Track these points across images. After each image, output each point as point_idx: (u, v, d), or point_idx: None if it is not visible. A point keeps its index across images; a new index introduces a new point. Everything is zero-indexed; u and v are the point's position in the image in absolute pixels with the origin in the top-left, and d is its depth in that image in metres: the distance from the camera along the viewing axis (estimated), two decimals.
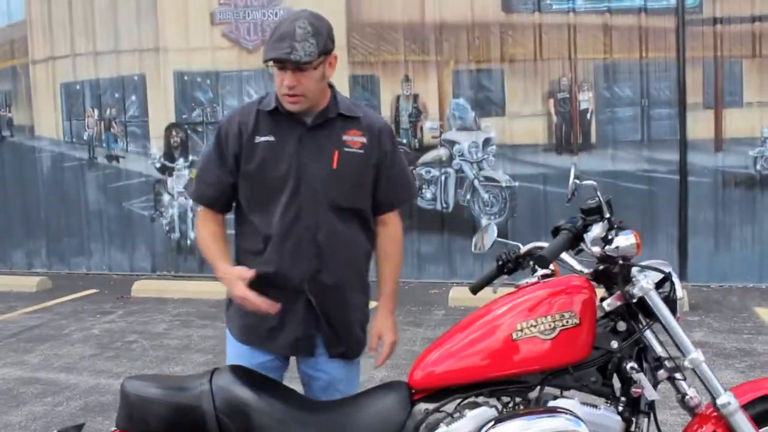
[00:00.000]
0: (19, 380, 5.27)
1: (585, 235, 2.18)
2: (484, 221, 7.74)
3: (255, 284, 2.33)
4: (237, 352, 2.45)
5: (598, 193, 2.17)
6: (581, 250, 2.25)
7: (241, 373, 2.11)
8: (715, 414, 2.21)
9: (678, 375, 2.23)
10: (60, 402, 4.81)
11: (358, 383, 2.59)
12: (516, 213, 7.72)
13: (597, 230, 2.16)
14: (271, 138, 2.41)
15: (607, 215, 2.16)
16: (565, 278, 2.26)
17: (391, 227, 2.59)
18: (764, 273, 7.23)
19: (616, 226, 2.17)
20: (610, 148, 7.48)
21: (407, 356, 5.52)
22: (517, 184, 7.73)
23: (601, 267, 2.26)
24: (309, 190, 2.39)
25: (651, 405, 2.22)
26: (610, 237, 2.15)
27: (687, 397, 2.23)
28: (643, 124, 7.43)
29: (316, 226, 2.40)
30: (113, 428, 2.13)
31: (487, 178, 7.81)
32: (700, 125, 7.28)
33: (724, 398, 2.16)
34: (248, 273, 2.32)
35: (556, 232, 2.23)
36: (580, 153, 7.57)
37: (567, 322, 2.13)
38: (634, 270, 2.21)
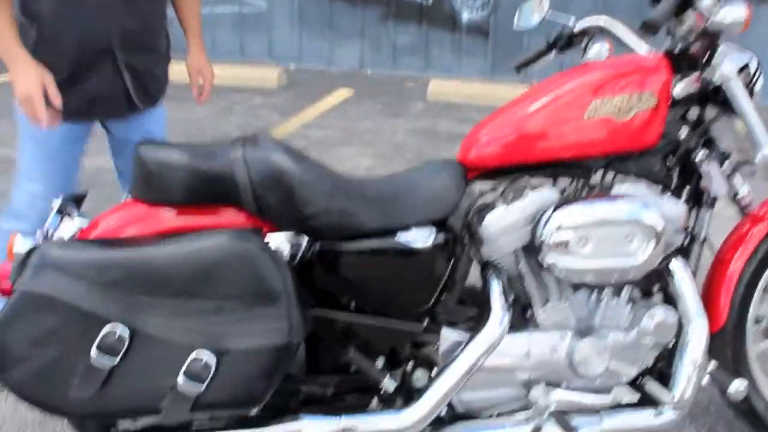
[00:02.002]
0: None
1: None
2: (465, 15, 7.32)
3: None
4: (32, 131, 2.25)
5: None
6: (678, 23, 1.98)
7: (276, 142, 1.83)
8: None
9: (741, 170, 2.07)
10: None
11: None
12: (500, 8, 7.28)
13: None
14: None
15: None
16: (639, 56, 2.01)
17: None
18: None
19: None
20: None
21: (390, 146, 5.37)
22: None
23: (679, 46, 2.00)
24: None
25: (713, 200, 2.06)
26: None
27: (739, 195, 2.09)
28: None
29: None
30: (127, 196, 1.87)
31: None
32: None
33: None
34: (53, 87, 2.13)
35: None
36: None
37: (644, 103, 1.90)
38: (719, 52, 1.97)
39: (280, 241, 1.75)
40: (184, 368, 1.61)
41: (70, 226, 1.85)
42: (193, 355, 1.61)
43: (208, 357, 1.60)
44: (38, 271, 1.58)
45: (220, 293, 1.60)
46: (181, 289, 1.60)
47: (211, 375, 1.61)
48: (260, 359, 1.62)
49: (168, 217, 1.77)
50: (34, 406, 1.63)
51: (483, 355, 1.86)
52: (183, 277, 1.60)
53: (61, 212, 1.86)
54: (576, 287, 2.00)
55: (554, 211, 1.88)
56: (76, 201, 1.93)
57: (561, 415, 1.85)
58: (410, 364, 1.94)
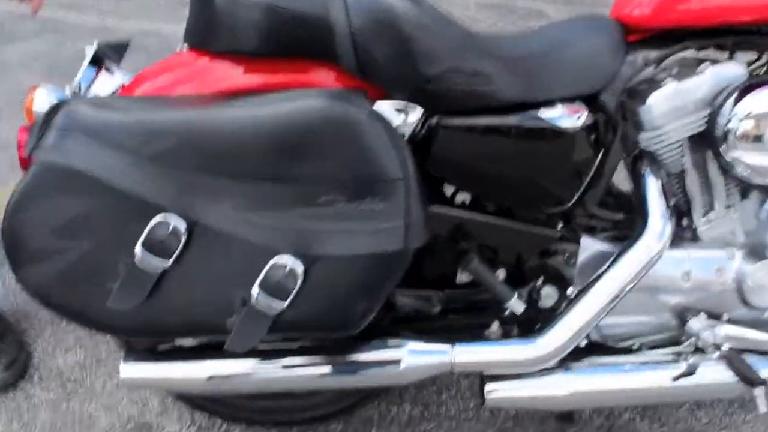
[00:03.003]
0: (8, 14, 4.47)
1: None
2: None
3: None
4: None
5: None
6: None
7: None
8: None
9: None
10: (63, 42, 4.08)
11: None
12: None
13: None
14: None
15: None
16: None
17: None
18: None
19: None
20: None
21: (461, 21, 4.82)
22: None
23: None
24: None
25: None
26: None
27: None
28: None
29: None
30: (181, 47, 1.43)
31: None
32: None
33: None
34: None
35: None
36: None
37: None
38: None
39: (386, 111, 1.31)
40: (261, 277, 1.19)
41: (108, 82, 1.43)
42: (273, 261, 1.19)
43: (293, 264, 1.18)
44: (64, 136, 1.16)
45: (314, 176, 1.17)
46: (259, 167, 1.16)
47: (296, 288, 1.19)
48: (364, 270, 1.20)
49: (235, 74, 1.32)
50: (61, 316, 1.25)
51: (638, 273, 1.44)
52: (262, 151, 1.16)
53: (97, 64, 1.43)
54: (744, 194, 1.56)
55: (743, 92, 1.40)
56: (116, 51, 1.50)
57: (734, 355, 1.44)
58: (539, 279, 1.52)
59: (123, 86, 1.43)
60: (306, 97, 1.16)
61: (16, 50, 3.94)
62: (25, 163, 1.35)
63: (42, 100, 1.30)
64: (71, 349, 1.95)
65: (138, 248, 1.17)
